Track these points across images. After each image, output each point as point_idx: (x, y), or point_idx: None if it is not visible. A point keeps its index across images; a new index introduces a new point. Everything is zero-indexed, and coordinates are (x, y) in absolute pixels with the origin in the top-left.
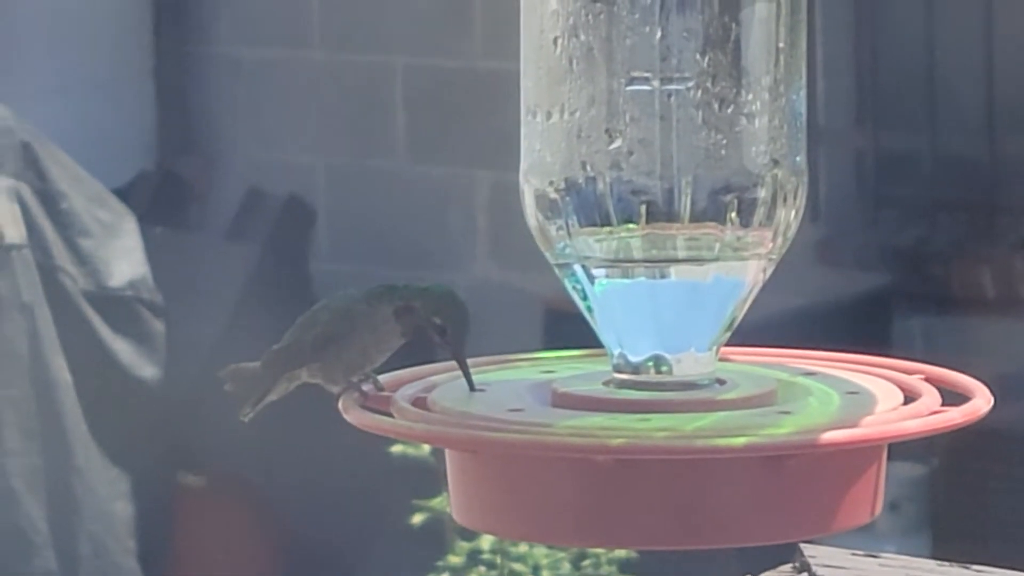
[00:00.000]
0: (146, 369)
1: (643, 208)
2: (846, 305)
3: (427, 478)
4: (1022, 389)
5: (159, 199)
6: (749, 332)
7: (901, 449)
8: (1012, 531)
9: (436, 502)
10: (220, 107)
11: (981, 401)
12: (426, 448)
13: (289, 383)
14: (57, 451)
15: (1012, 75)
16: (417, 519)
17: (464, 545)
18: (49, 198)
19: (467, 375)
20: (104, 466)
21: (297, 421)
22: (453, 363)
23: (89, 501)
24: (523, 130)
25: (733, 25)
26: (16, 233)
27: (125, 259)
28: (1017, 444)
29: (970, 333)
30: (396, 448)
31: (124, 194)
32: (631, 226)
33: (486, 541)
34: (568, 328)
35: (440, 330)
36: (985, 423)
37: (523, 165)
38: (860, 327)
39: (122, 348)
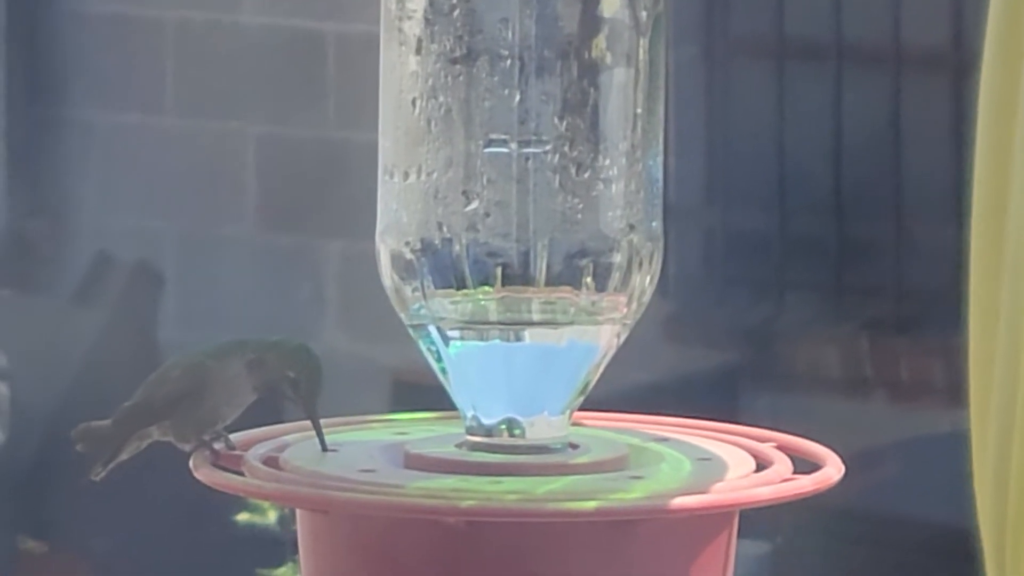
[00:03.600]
0: None
1: (499, 271)
2: (693, 382)
3: (272, 548)
4: (866, 469)
5: (6, 261)
6: (597, 406)
7: (745, 526)
8: None
9: (280, 572)
10: (71, 171)
11: (832, 470)
12: (272, 517)
13: (140, 441)
14: None
15: (860, 157)
16: None
17: None
18: None
19: (320, 434)
20: None
21: (142, 487)
22: (305, 423)
23: None
24: (380, 190)
25: (591, 90)
26: None
27: None
28: (860, 523)
29: (816, 412)
30: (242, 516)
31: None
32: (487, 288)
33: None
34: (416, 400)
35: (293, 384)
36: (829, 501)
37: (379, 226)
38: (707, 404)
39: None
